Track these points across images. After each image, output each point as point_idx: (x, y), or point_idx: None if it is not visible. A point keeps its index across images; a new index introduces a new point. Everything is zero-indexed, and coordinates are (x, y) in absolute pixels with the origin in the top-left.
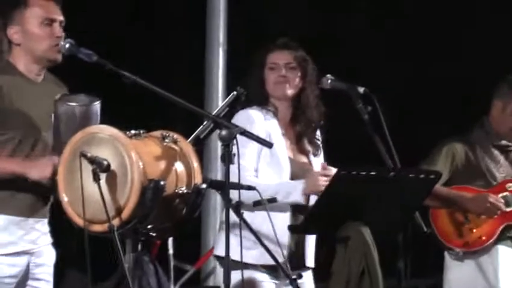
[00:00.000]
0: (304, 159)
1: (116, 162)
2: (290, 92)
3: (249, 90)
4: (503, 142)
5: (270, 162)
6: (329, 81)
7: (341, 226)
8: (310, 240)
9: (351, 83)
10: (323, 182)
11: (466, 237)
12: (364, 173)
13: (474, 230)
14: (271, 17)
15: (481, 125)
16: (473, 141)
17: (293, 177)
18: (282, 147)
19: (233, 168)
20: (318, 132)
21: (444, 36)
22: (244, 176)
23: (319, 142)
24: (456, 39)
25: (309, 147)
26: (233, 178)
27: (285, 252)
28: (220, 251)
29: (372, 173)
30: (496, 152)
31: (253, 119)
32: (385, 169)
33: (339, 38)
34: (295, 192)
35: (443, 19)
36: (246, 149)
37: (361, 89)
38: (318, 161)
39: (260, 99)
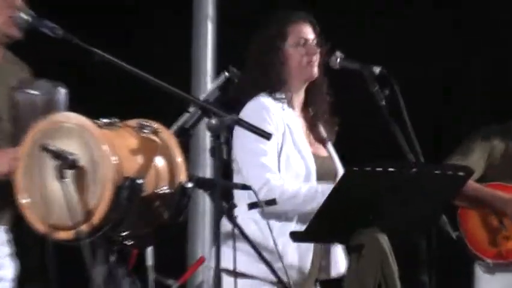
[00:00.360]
0: (323, 150)
1: (85, 157)
2: (316, 74)
3: (259, 69)
4: None
5: (292, 161)
6: (338, 59)
7: (354, 232)
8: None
9: (364, 62)
10: None
11: (500, 246)
12: (380, 169)
13: (510, 239)
14: None
15: None
16: None
17: (318, 175)
18: (305, 142)
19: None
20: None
21: None
22: (268, 181)
23: (333, 126)
24: None
25: (325, 134)
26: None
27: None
28: (226, 263)
29: (389, 169)
30: None
31: (268, 107)
32: (406, 164)
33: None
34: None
35: None
36: (265, 145)
37: (377, 69)
38: (332, 148)
39: (278, 81)
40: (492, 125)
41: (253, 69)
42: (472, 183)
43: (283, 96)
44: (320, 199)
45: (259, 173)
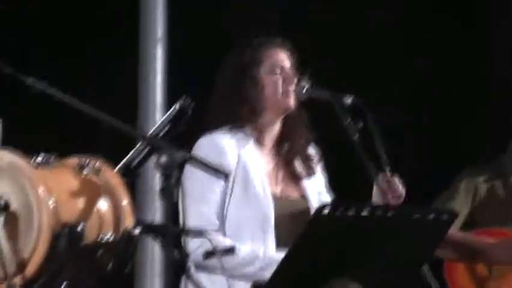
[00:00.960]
0: (294, 191)
1: (18, 201)
2: (295, 103)
3: (228, 99)
4: None
5: (245, 201)
6: (305, 89)
7: (323, 284)
8: None
9: (334, 91)
10: None
11: None
12: (353, 212)
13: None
14: (223, 7)
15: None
16: (503, 169)
17: (278, 221)
18: (263, 183)
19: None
20: (311, 150)
21: None
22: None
23: (314, 160)
24: None
25: (301, 170)
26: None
27: None
28: None
29: (363, 212)
30: None
31: (222, 147)
32: (381, 207)
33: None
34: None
35: None
36: (209, 191)
37: (349, 99)
38: (314, 183)
39: (252, 112)
40: (481, 163)
41: (221, 99)
42: (454, 232)
43: (249, 132)
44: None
45: (198, 223)
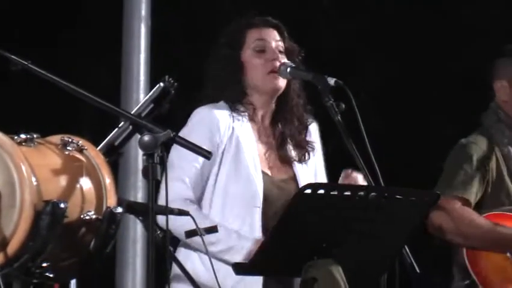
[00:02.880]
0: (284, 172)
1: (1, 178)
2: (283, 83)
3: (214, 80)
4: None
5: (235, 178)
6: (288, 69)
7: (305, 265)
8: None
9: (318, 72)
10: None
11: None
12: (335, 192)
13: None
14: None
15: (494, 116)
16: (495, 140)
17: (266, 198)
18: (254, 159)
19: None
20: (311, 133)
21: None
22: (175, 202)
23: (311, 144)
24: None
25: (293, 153)
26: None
27: None
28: None
29: (346, 192)
30: None
31: (217, 118)
32: (364, 188)
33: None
34: (235, 255)
35: None
36: (183, 161)
37: (331, 80)
38: (306, 169)
39: (235, 95)
40: (472, 136)
41: (212, 78)
42: (488, 224)
43: (243, 109)
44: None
45: (178, 188)
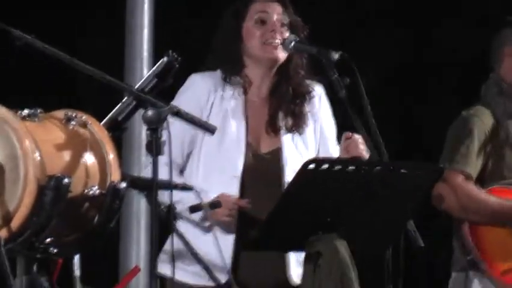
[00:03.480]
0: (274, 143)
1: (4, 153)
2: (282, 56)
3: (214, 51)
4: None
5: (218, 147)
6: (292, 43)
7: (309, 239)
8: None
9: (322, 47)
10: (226, 210)
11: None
12: (339, 166)
13: None
14: None
15: (495, 88)
16: (496, 113)
17: (247, 169)
18: (238, 129)
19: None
20: (314, 102)
21: None
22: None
23: (308, 114)
24: None
25: (282, 122)
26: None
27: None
28: (164, 268)
29: (350, 167)
30: None
31: (206, 84)
32: (368, 162)
33: None
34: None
35: None
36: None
37: (336, 54)
38: (298, 139)
39: (232, 63)
40: (473, 108)
41: (214, 47)
42: (491, 197)
43: (240, 81)
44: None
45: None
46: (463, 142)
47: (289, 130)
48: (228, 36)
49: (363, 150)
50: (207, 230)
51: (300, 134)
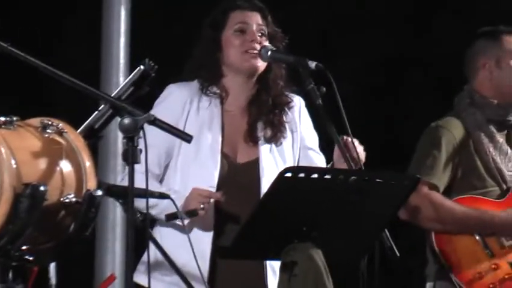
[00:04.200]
0: (252, 153)
1: None
2: (261, 65)
3: (192, 60)
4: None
5: (194, 159)
6: (269, 52)
7: (285, 248)
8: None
9: (298, 56)
10: (198, 202)
11: (489, 275)
12: (316, 175)
13: (497, 267)
14: None
15: (467, 99)
16: (466, 123)
17: (223, 181)
18: (214, 140)
19: (138, 168)
20: (293, 112)
21: None
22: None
23: (287, 124)
24: None
25: (261, 133)
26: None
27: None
28: (140, 278)
29: (326, 176)
30: (498, 137)
31: (182, 95)
32: (344, 172)
33: None
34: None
35: None
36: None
37: (312, 64)
38: (275, 150)
39: (210, 73)
40: (443, 119)
41: (193, 57)
42: (450, 203)
43: (216, 91)
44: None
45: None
46: (430, 153)
47: (268, 141)
48: (206, 45)
49: (361, 154)
50: (183, 232)
51: (278, 145)
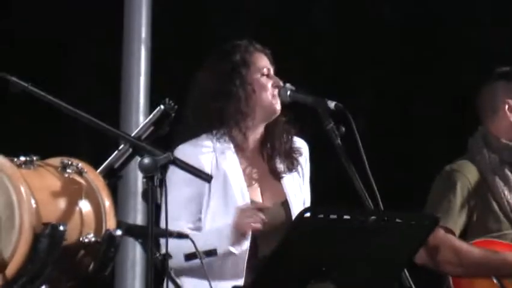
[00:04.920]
0: (278, 194)
1: (0, 200)
2: (279, 110)
3: (214, 103)
4: None
5: (224, 212)
6: (289, 92)
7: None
8: None
9: (318, 96)
10: (252, 219)
11: None
12: (334, 216)
13: None
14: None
15: (481, 141)
16: (481, 167)
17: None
18: (241, 190)
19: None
20: (301, 151)
21: None
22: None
23: (296, 153)
24: None
25: (282, 166)
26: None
27: None
28: None
29: (345, 216)
30: None
31: (199, 156)
32: (363, 212)
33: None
34: (222, 240)
35: None
36: (171, 190)
37: (331, 103)
38: (293, 179)
39: (239, 115)
40: (457, 162)
41: (205, 102)
42: (467, 247)
43: (227, 140)
44: (200, 244)
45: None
46: (445, 197)
47: (289, 171)
48: (236, 85)
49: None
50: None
51: (297, 171)
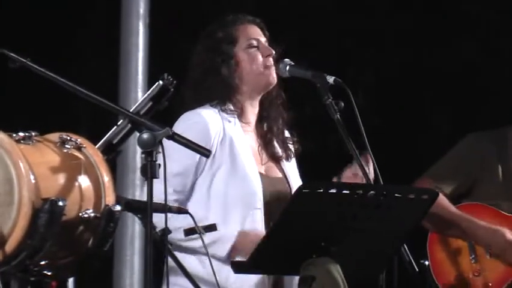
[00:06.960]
0: (275, 171)
1: None
2: (275, 80)
3: (204, 78)
4: None
5: (234, 180)
6: (288, 67)
7: (303, 263)
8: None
9: (317, 70)
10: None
11: (467, 281)
12: (334, 190)
13: (479, 274)
14: None
15: None
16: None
17: (266, 199)
18: (250, 160)
19: (157, 185)
20: (286, 133)
21: None
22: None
23: (290, 144)
24: None
25: (280, 151)
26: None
27: None
28: None
29: (344, 190)
30: None
31: (204, 122)
32: (362, 186)
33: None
34: (220, 246)
35: None
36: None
37: (331, 78)
38: (291, 167)
39: (226, 91)
40: (480, 132)
41: (197, 78)
42: (444, 204)
43: (232, 108)
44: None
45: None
46: (449, 158)
47: (287, 158)
48: (220, 62)
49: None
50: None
51: (290, 161)
